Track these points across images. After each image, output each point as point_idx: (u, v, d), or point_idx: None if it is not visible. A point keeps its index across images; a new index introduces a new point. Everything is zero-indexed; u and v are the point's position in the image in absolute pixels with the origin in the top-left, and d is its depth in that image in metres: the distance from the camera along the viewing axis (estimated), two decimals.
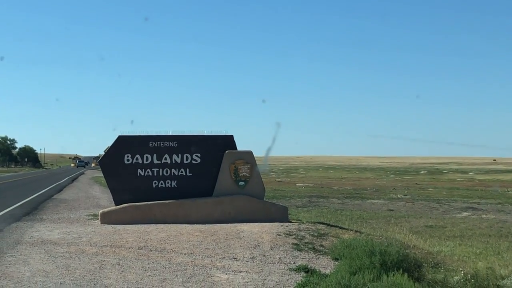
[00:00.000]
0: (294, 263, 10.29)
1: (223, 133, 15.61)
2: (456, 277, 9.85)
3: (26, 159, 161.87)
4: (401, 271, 8.99)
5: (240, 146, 15.55)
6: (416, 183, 59.64)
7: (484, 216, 23.91)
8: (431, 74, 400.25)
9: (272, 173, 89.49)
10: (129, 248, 11.12)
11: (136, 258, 10.27)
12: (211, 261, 10.20)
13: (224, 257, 10.49)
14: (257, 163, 15.38)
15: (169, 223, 14.23)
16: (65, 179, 51.77)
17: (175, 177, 15.23)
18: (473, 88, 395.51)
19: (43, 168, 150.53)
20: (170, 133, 15.50)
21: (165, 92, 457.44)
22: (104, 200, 23.37)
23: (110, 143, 15.62)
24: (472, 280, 9.55)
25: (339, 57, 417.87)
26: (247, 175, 15.22)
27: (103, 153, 16.32)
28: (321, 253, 11.25)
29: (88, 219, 15.85)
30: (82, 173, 74.47)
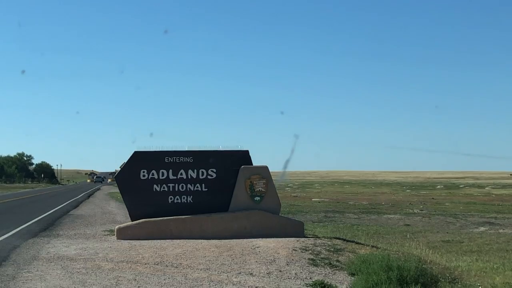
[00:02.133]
0: (310, 278, 10.25)
1: (239, 148, 15.64)
2: None
3: (42, 175, 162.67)
4: (418, 286, 8.94)
5: (257, 161, 15.58)
6: (433, 198, 59.35)
7: (501, 231, 23.74)
8: (449, 86, 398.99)
9: (287, 188, 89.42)
10: (145, 264, 11.13)
11: (152, 274, 10.27)
12: (227, 276, 10.19)
13: (240, 273, 10.47)
14: (276, 174, 15.36)
15: (185, 239, 14.23)
16: (81, 194, 51.98)
17: (190, 192, 15.25)
18: (489, 100, 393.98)
19: (59, 184, 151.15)
20: (186, 149, 15.54)
21: (183, 105, 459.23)
22: (120, 215, 23.43)
23: (126, 158, 15.68)
24: None
25: (356, 69, 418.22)
26: (262, 190, 15.22)
27: (119, 168, 16.36)
28: (337, 268, 11.20)
29: (105, 235, 15.89)
30: (98, 189, 74.73)
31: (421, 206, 41.41)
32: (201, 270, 10.66)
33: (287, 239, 13.80)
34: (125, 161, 15.70)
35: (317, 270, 10.93)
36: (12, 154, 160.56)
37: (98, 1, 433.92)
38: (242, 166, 15.29)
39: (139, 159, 15.26)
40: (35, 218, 22.01)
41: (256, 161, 15.58)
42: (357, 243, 14.99)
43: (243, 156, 15.51)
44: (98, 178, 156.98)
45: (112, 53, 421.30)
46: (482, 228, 24.70)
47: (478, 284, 10.53)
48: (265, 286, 9.59)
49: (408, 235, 20.60)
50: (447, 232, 22.61)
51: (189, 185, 15.26)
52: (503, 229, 24.27)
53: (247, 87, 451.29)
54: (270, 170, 15.53)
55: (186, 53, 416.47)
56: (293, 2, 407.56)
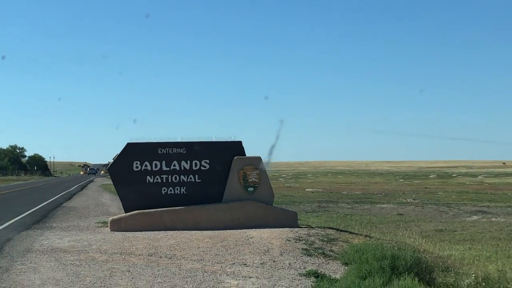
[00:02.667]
0: (304, 268, 10.27)
1: (232, 139, 15.62)
2: (466, 281, 9.82)
3: (35, 168, 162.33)
4: (412, 275, 8.96)
5: (246, 148, 15.56)
6: (425, 187, 59.51)
7: (494, 219, 23.84)
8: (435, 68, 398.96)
9: (281, 179, 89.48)
10: (139, 255, 11.14)
11: (146, 265, 10.27)
12: (221, 267, 10.20)
13: (234, 263, 10.49)
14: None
15: (179, 230, 14.24)
16: (74, 186, 51.89)
17: (184, 183, 15.24)
18: (478, 81, 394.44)
19: (52, 176, 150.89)
20: (179, 140, 15.52)
21: (167, 89, 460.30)
22: (114, 207, 23.41)
23: (118, 149, 15.66)
24: (483, 283, 9.52)
25: (339, 52, 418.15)
26: (256, 181, 15.22)
27: (112, 160, 16.33)
28: (331, 258, 11.23)
29: (98, 227, 15.88)
30: (92, 181, 74.62)
31: (414, 196, 41.52)
32: (195, 261, 10.66)
33: (281, 229, 13.82)
34: (118, 153, 15.67)
35: (310, 260, 10.96)
36: (5, 146, 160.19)
37: None
38: (235, 157, 15.28)
39: (132, 151, 15.23)
40: (28, 210, 21.96)
41: (246, 148, 15.57)
42: (350, 232, 15.02)
43: (236, 147, 15.49)
44: (92, 170, 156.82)
45: (93, 38, 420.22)
46: (474, 217, 24.78)
47: (472, 272, 10.57)
48: (259, 276, 9.60)
49: (401, 224, 20.66)
50: (440, 221, 22.70)
51: (182, 177, 15.24)
52: (496, 218, 24.36)
53: (232, 70, 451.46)
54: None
55: (168, 37, 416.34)
56: None
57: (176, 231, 14.11)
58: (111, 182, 17.23)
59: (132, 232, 14.07)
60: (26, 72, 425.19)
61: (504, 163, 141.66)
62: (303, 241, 12.41)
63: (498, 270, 10.59)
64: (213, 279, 9.30)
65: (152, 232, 13.93)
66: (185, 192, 15.21)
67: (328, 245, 12.34)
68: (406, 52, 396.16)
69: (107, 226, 15.19)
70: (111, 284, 8.84)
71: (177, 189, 15.22)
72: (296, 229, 14.02)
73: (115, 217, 15.37)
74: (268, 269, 10.15)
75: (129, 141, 15.32)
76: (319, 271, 9.96)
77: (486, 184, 68.74)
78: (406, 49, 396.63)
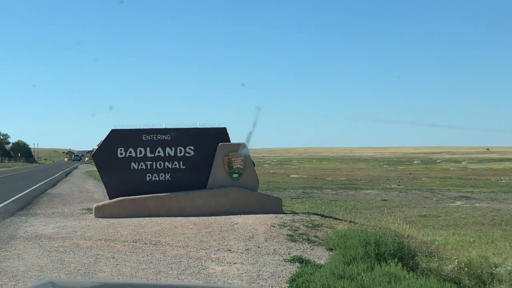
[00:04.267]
0: (288, 254, 10.31)
1: (216, 126, 15.60)
2: (450, 266, 9.90)
3: (19, 154, 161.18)
4: (396, 260, 9.02)
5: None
6: (410, 173, 59.78)
7: (477, 205, 24.00)
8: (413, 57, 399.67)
9: (265, 165, 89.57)
10: (124, 242, 11.12)
11: (130, 251, 10.27)
12: (206, 253, 10.22)
13: (219, 249, 10.50)
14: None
15: (163, 216, 14.23)
16: (58, 173, 51.64)
17: (168, 170, 15.22)
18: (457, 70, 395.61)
19: (36, 163, 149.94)
20: (163, 126, 15.48)
21: (144, 76, 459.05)
22: (98, 194, 23.33)
23: (103, 136, 15.60)
24: (466, 269, 9.60)
25: (318, 40, 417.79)
26: (240, 167, 15.22)
27: (97, 147, 16.27)
28: (315, 243, 11.27)
29: (82, 213, 15.83)
30: (76, 167, 74.28)
31: (398, 181, 41.72)
32: (179, 247, 10.67)
33: (266, 215, 13.84)
34: (103, 139, 15.61)
35: (295, 245, 11.00)
36: None
37: None
38: (220, 143, 15.26)
39: (116, 137, 15.18)
40: (12, 197, 21.86)
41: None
42: (335, 218, 15.08)
43: (221, 133, 15.47)
44: (76, 157, 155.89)
45: (67, 24, 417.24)
46: (458, 202, 24.95)
47: (454, 257, 10.66)
48: (244, 262, 9.63)
49: (385, 210, 20.77)
50: (424, 207, 22.83)
51: (167, 163, 15.21)
52: (479, 203, 24.54)
53: (208, 57, 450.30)
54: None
55: (143, 23, 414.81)
56: None
57: (161, 217, 14.10)
58: (96, 169, 17.18)
59: (117, 219, 14.04)
60: (1, 59, 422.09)
61: (488, 149, 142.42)
62: (288, 227, 12.45)
63: (481, 256, 10.68)
64: (198, 265, 9.32)
65: (136, 219, 13.91)
66: (169, 179, 15.19)
67: (312, 231, 12.38)
68: (383, 38, 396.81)
69: (92, 213, 15.15)
70: (95, 271, 8.84)
71: (161, 175, 15.20)
72: (281, 215, 14.05)
73: (99, 203, 15.34)
74: (253, 255, 10.18)
75: (113, 128, 15.27)
76: (303, 257, 10.00)
77: (470, 170, 69.18)
78: (383, 36, 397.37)
